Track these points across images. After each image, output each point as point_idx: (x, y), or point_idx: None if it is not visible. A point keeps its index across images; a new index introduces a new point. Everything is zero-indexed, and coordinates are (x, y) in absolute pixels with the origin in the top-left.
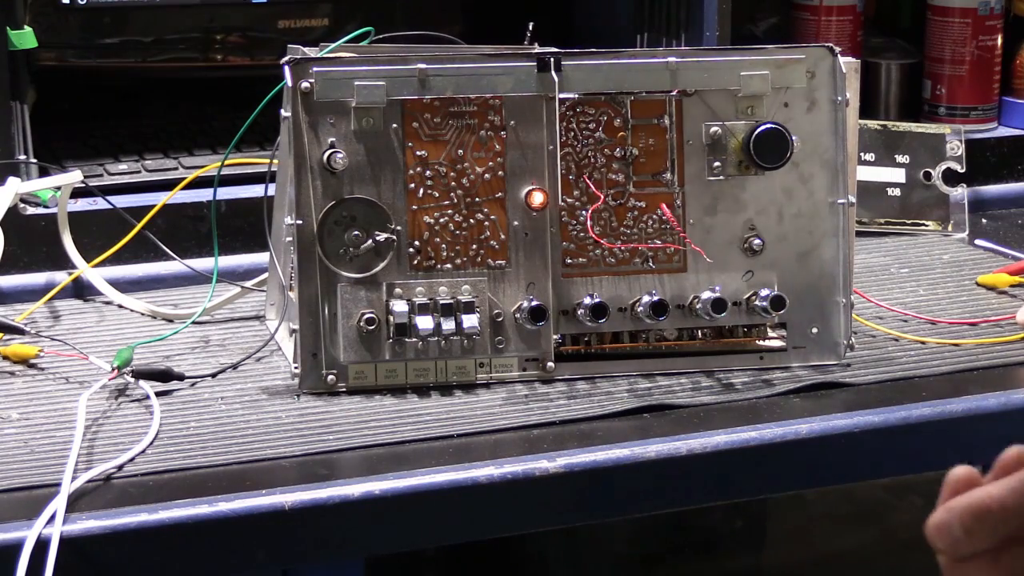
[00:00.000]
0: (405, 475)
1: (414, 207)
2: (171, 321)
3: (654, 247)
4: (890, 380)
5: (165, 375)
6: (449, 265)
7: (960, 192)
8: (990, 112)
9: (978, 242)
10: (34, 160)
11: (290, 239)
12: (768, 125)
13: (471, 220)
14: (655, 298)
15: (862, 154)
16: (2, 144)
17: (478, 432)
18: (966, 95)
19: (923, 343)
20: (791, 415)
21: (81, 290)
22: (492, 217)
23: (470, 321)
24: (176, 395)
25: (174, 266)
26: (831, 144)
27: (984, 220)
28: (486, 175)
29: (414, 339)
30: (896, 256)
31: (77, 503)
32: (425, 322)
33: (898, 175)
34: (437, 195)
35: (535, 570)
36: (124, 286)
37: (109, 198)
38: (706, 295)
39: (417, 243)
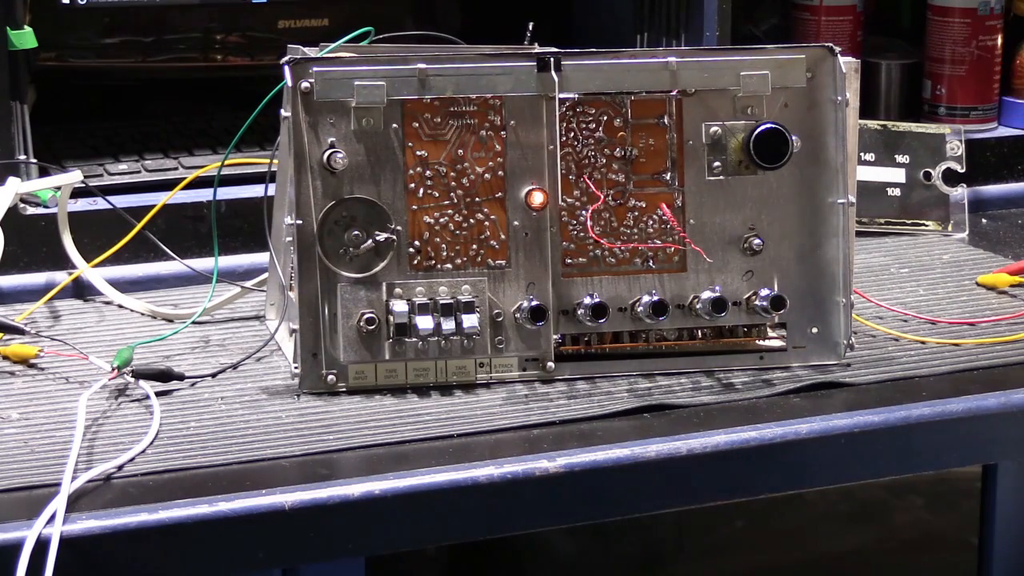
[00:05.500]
0: (405, 475)
1: (414, 207)
2: (171, 321)
3: (654, 247)
4: (890, 380)
5: (165, 375)
6: (449, 265)
7: (960, 192)
8: (990, 112)
9: None
10: (34, 160)
11: (290, 239)
12: (768, 125)
13: (471, 220)
14: (655, 298)
15: (862, 154)
16: (2, 144)
17: (478, 432)
18: (966, 95)
19: (923, 343)
20: (791, 415)
21: (81, 290)
22: (492, 217)
23: (470, 321)
24: (176, 395)
25: (174, 266)
26: (831, 144)
27: (984, 220)
28: (486, 175)
29: (414, 339)
30: (896, 256)
31: (77, 503)
32: (425, 322)
33: (898, 175)
34: (437, 195)
35: (535, 570)
36: (124, 286)
37: (109, 198)
38: (706, 295)
39: (417, 243)
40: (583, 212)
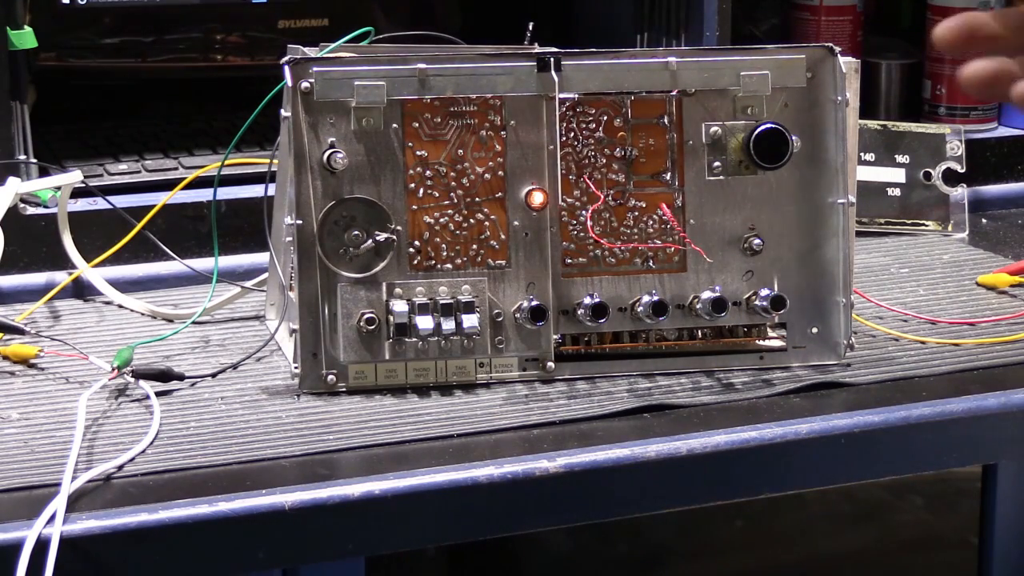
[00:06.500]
0: (405, 475)
1: (414, 207)
2: (171, 321)
3: (654, 247)
4: (890, 380)
5: (165, 375)
6: (449, 265)
7: (960, 192)
8: (990, 112)
9: None
10: (34, 160)
11: (290, 239)
12: (768, 125)
13: (471, 220)
14: (655, 298)
15: (862, 154)
16: (2, 144)
17: (478, 432)
18: (966, 95)
19: (923, 343)
20: (791, 415)
21: (81, 290)
22: (492, 217)
23: (470, 321)
24: (176, 395)
25: (174, 266)
26: (831, 144)
27: (984, 220)
28: (486, 175)
29: (414, 339)
30: (896, 256)
31: (77, 503)
32: (425, 322)
33: (898, 175)
34: (437, 195)
35: (535, 570)
36: (124, 286)
37: (109, 198)
38: (706, 295)
39: (417, 243)
40: (583, 212)
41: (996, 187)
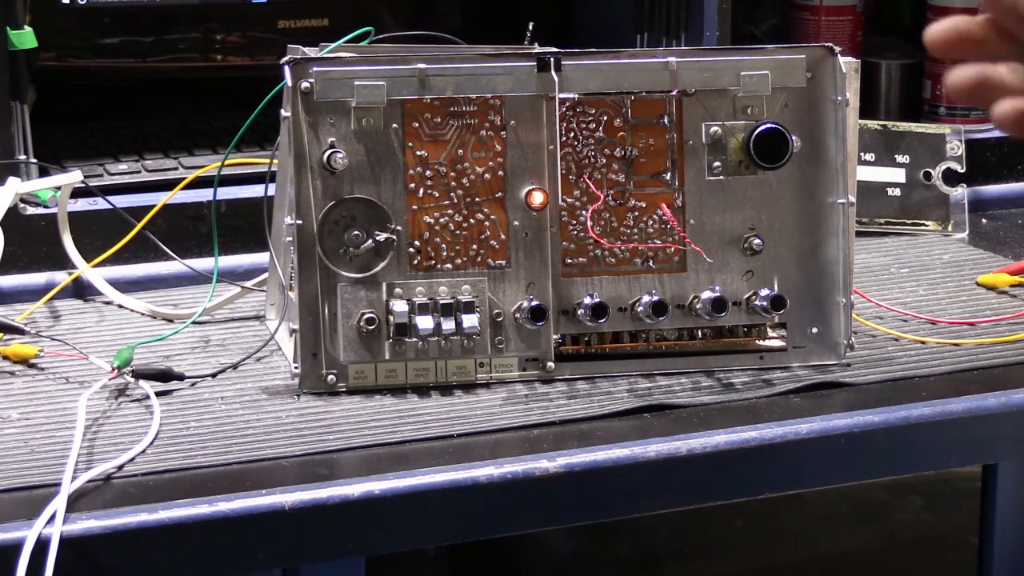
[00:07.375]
0: (405, 475)
1: (414, 207)
2: (171, 321)
3: (654, 247)
4: (890, 380)
5: (165, 375)
6: (449, 265)
7: (960, 192)
8: None
9: None
10: (34, 160)
11: (290, 239)
12: (768, 125)
13: (471, 220)
14: (655, 298)
15: (862, 154)
16: (2, 144)
17: (478, 432)
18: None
19: (923, 343)
20: (791, 415)
21: (81, 290)
22: (492, 217)
23: (470, 321)
24: (176, 395)
25: (174, 266)
26: (831, 144)
27: (984, 220)
28: (486, 175)
29: (414, 339)
30: (896, 256)
31: (77, 503)
32: (425, 322)
33: (898, 175)
34: (437, 195)
35: (535, 570)
36: (124, 286)
37: (109, 198)
38: (706, 295)
39: (417, 243)
40: (583, 212)
41: (996, 187)
